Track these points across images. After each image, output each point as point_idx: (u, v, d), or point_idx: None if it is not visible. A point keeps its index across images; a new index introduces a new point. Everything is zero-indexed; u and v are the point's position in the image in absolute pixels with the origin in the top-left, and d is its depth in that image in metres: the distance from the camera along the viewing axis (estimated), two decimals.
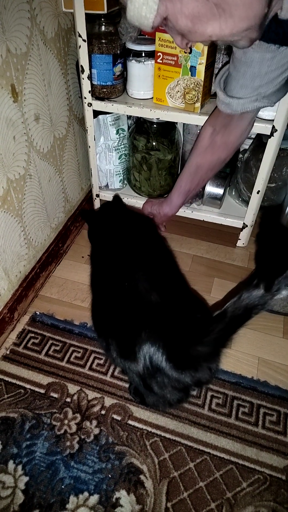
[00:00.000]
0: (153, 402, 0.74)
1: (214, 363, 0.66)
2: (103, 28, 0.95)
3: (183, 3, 0.48)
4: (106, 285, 0.77)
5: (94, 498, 0.70)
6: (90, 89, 1.00)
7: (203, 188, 1.16)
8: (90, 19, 0.91)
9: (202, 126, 0.91)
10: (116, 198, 1.05)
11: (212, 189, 1.15)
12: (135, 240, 0.84)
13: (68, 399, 0.83)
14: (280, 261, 0.54)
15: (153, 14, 0.50)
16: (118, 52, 0.98)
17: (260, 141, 1.07)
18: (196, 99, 0.94)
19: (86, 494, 0.70)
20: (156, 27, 0.53)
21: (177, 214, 1.20)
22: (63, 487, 0.71)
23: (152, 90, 1.00)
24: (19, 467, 0.73)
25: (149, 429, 0.79)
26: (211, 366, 0.66)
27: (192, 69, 0.91)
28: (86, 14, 0.88)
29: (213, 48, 0.90)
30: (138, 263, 0.76)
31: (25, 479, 0.72)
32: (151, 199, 1.13)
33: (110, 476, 0.73)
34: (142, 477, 0.73)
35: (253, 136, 1.16)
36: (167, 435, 0.78)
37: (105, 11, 0.89)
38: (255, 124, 0.92)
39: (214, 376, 0.69)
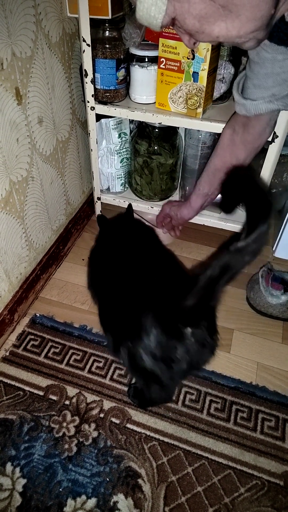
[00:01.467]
0: (156, 394, 0.73)
1: (208, 318, 0.64)
2: (107, 33, 0.96)
3: (191, 4, 0.49)
4: (111, 282, 0.78)
5: (91, 502, 0.70)
6: (93, 93, 1.01)
7: None
8: (95, 24, 0.92)
9: (222, 129, 0.91)
10: (128, 207, 1.05)
11: None
12: (137, 246, 0.84)
13: (67, 402, 0.83)
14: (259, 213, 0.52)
15: (162, 15, 0.51)
16: (122, 57, 0.98)
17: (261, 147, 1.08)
18: (198, 104, 0.95)
19: (83, 497, 0.70)
20: (164, 27, 0.54)
21: None
22: (60, 490, 0.71)
23: (155, 95, 1.01)
24: (17, 469, 0.73)
25: (148, 432, 0.79)
26: (206, 323, 0.64)
27: (195, 75, 0.91)
28: (90, 19, 0.89)
29: (215, 54, 0.91)
30: (139, 263, 0.77)
31: (23, 481, 0.72)
32: (171, 201, 1.13)
33: (108, 479, 0.73)
34: (140, 481, 0.72)
35: None
36: (166, 439, 0.78)
37: (110, 17, 0.90)
38: None
39: (214, 338, 0.66)
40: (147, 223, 1.16)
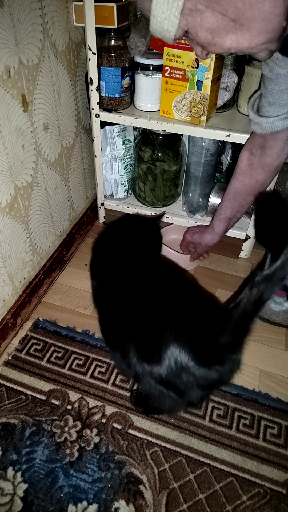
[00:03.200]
0: (170, 406, 0.72)
1: (238, 353, 0.64)
2: (112, 42, 0.97)
3: (203, 18, 0.50)
4: (121, 292, 0.75)
5: (93, 508, 0.69)
6: (98, 100, 1.03)
7: (207, 199, 1.17)
8: (100, 33, 0.94)
9: (240, 152, 0.89)
10: (161, 215, 1.04)
11: (216, 200, 1.16)
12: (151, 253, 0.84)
13: (69, 407, 0.83)
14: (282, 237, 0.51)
15: (175, 28, 0.53)
16: (127, 65, 1.00)
17: None
18: (202, 112, 0.96)
19: (85, 503, 0.70)
20: (177, 39, 0.55)
21: (180, 224, 1.22)
22: (62, 495, 0.71)
23: (159, 103, 1.03)
24: (18, 474, 0.73)
25: (150, 438, 0.79)
26: (236, 357, 0.64)
27: (199, 84, 0.93)
28: (96, 28, 0.91)
29: (219, 63, 0.92)
30: (155, 270, 0.76)
31: (24, 486, 0.72)
32: (192, 228, 1.11)
33: (109, 485, 0.72)
34: (141, 487, 0.72)
35: None
36: (168, 445, 0.78)
37: (115, 26, 0.92)
38: None
39: (238, 369, 0.67)
40: (172, 250, 1.14)
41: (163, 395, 0.68)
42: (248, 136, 0.94)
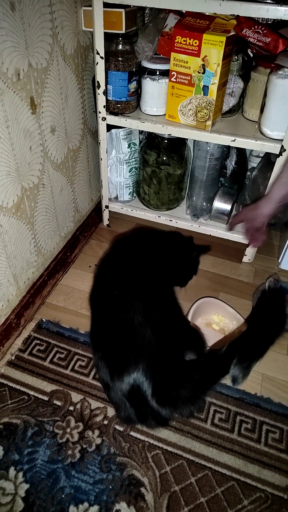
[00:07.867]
0: (125, 417, 0.76)
1: (193, 406, 0.70)
2: (120, 46, 0.98)
3: None
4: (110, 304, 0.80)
5: (94, 509, 0.69)
6: (105, 104, 1.04)
7: (211, 203, 1.18)
8: (108, 38, 0.95)
9: None
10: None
11: (220, 204, 1.17)
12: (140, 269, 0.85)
13: (71, 408, 0.83)
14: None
15: None
16: (134, 69, 1.01)
17: (269, 160, 1.09)
18: (207, 117, 0.97)
19: (86, 504, 0.70)
20: None
21: (184, 228, 1.22)
22: (63, 496, 0.71)
23: (165, 107, 1.03)
24: (20, 474, 0.73)
25: (151, 441, 0.79)
26: (191, 408, 0.70)
27: (205, 89, 0.94)
28: (104, 33, 0.92)
29: (226, 69, 0.93)
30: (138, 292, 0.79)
31: (26, 486, 0.72)
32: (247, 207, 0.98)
33: (110, 487, 0.72)
34: (142, 489, 0.72)
35: (261, 155, 1.18)
36: (169, 448, 0.78)
37: (123, 31, 0.93)
38: (264, 143, 0.95)
39: (193, 415, 0.78)
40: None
41: (124, 406, 0.72)
42: (253, 141, 0.96)
